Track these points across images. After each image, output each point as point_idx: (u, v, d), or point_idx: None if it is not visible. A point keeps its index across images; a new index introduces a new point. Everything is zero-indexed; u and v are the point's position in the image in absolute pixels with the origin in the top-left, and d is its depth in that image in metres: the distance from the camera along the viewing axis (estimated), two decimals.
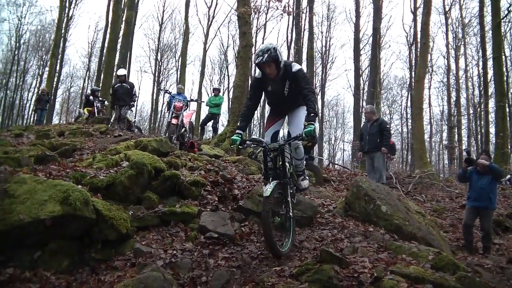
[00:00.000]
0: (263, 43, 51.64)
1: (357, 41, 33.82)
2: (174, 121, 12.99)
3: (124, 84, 16.73)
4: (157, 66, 54.69)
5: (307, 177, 7.00)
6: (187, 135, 13.31)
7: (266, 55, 5.94)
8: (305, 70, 6.55)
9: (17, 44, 54.90)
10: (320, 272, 4.47)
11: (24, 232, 5.12)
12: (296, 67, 6.26)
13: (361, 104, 33.95)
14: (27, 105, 56.64)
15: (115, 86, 17.00)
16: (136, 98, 17.96)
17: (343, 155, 57.71)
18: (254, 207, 7.15)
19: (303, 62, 29.79)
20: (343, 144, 59.40)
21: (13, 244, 5.13)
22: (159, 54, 55.11)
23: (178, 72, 47.21)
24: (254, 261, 5.52)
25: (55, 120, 40.21)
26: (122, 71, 17.86)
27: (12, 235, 5.16)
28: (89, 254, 5.54)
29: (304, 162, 6.82)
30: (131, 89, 16.78)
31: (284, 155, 6.09)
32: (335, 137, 61.05)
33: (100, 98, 21.96)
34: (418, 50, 28.68)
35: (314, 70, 37.80)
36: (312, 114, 5.80)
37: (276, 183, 5.73)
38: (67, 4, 44.41)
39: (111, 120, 18.56)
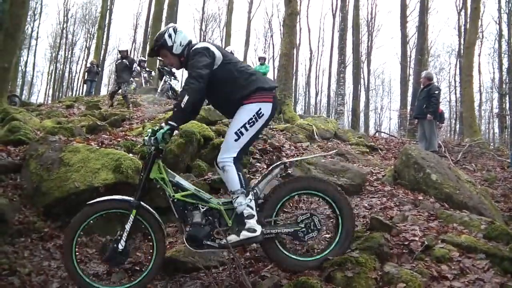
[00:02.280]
0: (307, 11, 51.34)
1: (403, 7, 32.98)
2: None
3: (124, 60, 16.37)
4: (202, 36, 54.71)
5: (245, 231, 4.10)
6: None
7: (154, 44, 4.69)
8: (229, 47, 4.45)
9: (65, 17, 55.81)
10: (371, 240, 4.46)
11: (80, 199, 5.28)
12: (193, 48, 4.46)
13: (408, 72, 33.34)
14: (76, 77, 57.69)
15: (116, 62, 16.84)
16: (135, 74, 17.62)
17: (390, 124, 56.98)
18: (303, 174, 7.16)
19: (349, 30, 29.31)
20: (390, 113, 58.55)
21: (70, 210, 5.30)
22: (203, 24, 55.17)
23: (223, 42, 47.25)
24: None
25: (104, 91, 40.77)
26: (122, 47, 17.89)
27: (68, 202, 5.35)
28: None
29: (242, 200, 4.16)
30: (130, 66, 16.37)
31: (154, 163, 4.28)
32: (382, 105, 60.20)
33: (147, 69, 22.16)
34: (468, 15, 27.90)
35: (360, 38, 37.17)
36: (175, 109, 4.23)
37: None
38: None
39: (158, 90, 18.72)
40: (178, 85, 20.06)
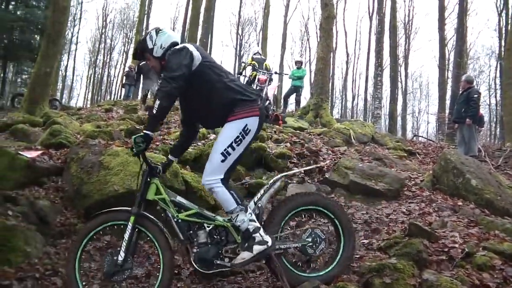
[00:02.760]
0: (343, 14, 51.07)
1: (441, 9, 32.50)
2: None
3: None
4: (238, 40, 54.93)
5: (257, 245, 3.85)
6: (272, 108, 13.33)
7: (136, 46, 4.41)
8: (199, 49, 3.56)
9: (104, 23, 56.64)
10: (409, 246, 4.41)
11: (119, 202, 5.32)
12: (171, 49, 4.13)
13: (446, 75, 32.85)
14: (114, 81, 58.48)
15: (141, 64, 16.43)
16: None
17: (428, 128, 56.17)
18: (340, 179, 7.15)
19: (386, 32, 28.98)
20: (428, 116, 57.72)
21: None
22: (239, 28, 55.33)
23: (259, 46, 47.33)
24: None
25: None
26: None
27: (108, 204, 5.38)
28: None
29: (244, 217, 3.88)
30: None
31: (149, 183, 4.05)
32: (419, 109, 59.41)
33: None
34: (510, 16, 27.40)
35: (397, 40, 36.77)
36: (148, 116, 4.04)
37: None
38: None
39: None
40: None
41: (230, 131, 3.96)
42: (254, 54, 18.51)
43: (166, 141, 7.76)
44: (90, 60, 59.11)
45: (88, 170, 5.82)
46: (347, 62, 52.81)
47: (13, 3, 20.63)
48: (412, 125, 57.10)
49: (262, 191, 4.24)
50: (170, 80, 3.76)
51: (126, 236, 3.81)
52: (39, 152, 6.60)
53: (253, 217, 3.92)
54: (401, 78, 44.59)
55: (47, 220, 5.22)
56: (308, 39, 55.03)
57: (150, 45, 4.14)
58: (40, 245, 4.72)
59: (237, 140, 3.92)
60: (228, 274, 4.64)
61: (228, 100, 3.97)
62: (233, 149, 3.92)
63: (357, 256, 4.57)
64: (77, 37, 52.72)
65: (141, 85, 16.16)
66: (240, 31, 55.25)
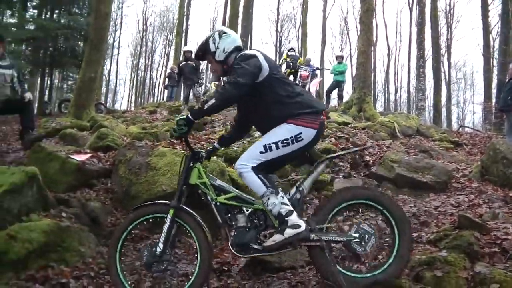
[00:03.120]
0: (383, 6, 50.47)
1: None
2: None
3: (190, 62, 15.82)
4: (278, 37, 54.88)
5: (289, 228, 3.75)
6: None
7: (198, 48, 4.34)
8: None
9: (144, 26, 57.38)
10: (460, 238, 4.33)
11: None
12: (239, 54, 4.03)
13: (491, 63, 32.12)
14: (156, 83, 59.16)
15: (180, 65, 16.26)
16: (203, 76, 16.99)
17: (474, 118, 55.02)
18: (386, 173, 7.11)
19: (427, 23, 28.51)
20: (473, 106, 56.52)
21: None
22: (279, 25, 55.25)
23: (299, 42, 47.14)
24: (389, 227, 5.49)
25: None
26: (187, 48, 17.68)
27: None
28: None
29: (275, 200, 3.76)
30: (197, 66, 15.99)
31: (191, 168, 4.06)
32: (464, 99, 58.26)
33: None
34: None
35: (439, 30, 36.07)
36: (201, 105, 3.92)
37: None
38: None
39: None
40: None
41: (283, 131, 3.88)
42: (289, 50, 18.42)
43: (211, 140, 7.84)
44: (132, 64, 60.01)
45: (136, 171, 5.95)
46: (388, 55, 52.25)
47: (56, 11, 21.09)
48: (458, 116, 56.06)
49: (306, 176, 4.10)
50: (234, 85, 3.71)
51: (165, 228, 3.85)
52: (88, 155, 6.77)
53: (285, 200, 3.82)
54: (444, 69, 43.80)
55: (98, 220, 5.38)
56: (348, 33, 54.64)
57: (212, 48, 4.09)
58: (93, 245, 4.85)
59: (285, 142, 3.85)
60: (277, 269, 4.67)
61: (291, 113, 3.88)
62: (277, 148, 3.86)
63: None
64: (118, 42, 53.54)
65: (182, 86, 16.20)
66: (279, 28, 55.23)
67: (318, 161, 4.11)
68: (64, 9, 21.18)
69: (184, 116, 3.75)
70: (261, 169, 3.91)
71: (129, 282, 3.99)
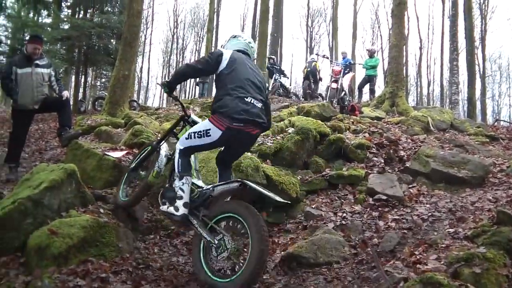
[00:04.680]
0: None
1: None
2: (333, 85, 13.01)
3: None
4: (308, 32, 54.64)
5: (172, 207, 4.54)
6: (347, 98, 13.24)
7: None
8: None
9: (175, 23, 57.59)
10: (499, 234, 4.27)
11: None
12: None
13: None
14: (188, 80, 59.49)
15: None
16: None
17: (510, 111, 53.93)
18: (421, 168, 7.04)
19: (460, 15, 28.07)
20: (509, 100, 55.43)
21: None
22: (309, 19, 54.98)
23: (330, 37, 46.93)
24: (425, 222, 5.44)
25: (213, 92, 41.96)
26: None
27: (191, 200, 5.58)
28: (262, 217, 5.81)
29: (177, 183, 4.63)
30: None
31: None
32: (500, 92, 57.12)
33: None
34: None
35: (473, 22, 35.47)
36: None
37: None
38: None
39: (269, 89, 18.88)
40: (287, 82, 20.15)
41: (202, 124, 4.64)
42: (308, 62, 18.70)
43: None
44: (163, 61, 60.29)
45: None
46: (420, 48, 51.39)
47: (90, 10, 21.35)
48: (493, 109, 54.89)
49: (222, 182, 4.74)
50: (191, 67, 4.85)
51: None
52: (123, 152, 6.86)
53: (185, 187, 4.54)
54: (478, 61, 43.00)
55: (135, 216, 5.45)
56: (379, 27, 53.96)
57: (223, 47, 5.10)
58: (130, 240, 4.93)
59: (199, 134, 4.52)
60: (313, 264, 4.69)
61: (213, 109, 4.57)
62: (194, 137, 4.55)
63: (443, 246, 4.49)
64: (150, 39, 53.89)
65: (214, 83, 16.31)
66: (309, 23, 54.94)
67: (234, 179, 4.67)
68: (97, 8, 21.44)
69: (165, 82, 4.90)
70: (188, 154, 4.75)
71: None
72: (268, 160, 6.75)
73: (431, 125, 11.54)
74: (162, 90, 5.28)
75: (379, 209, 5.93)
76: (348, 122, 9.64)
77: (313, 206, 6.05)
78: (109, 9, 21.68)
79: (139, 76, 52.53)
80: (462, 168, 7.02)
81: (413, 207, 5.96)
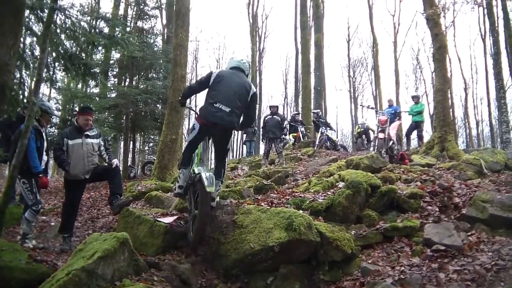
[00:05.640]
0: (454, 41, 49.54)
1: None
2: (381, 135, 12.91)
3: (275, 116, 16.00)
4: (351, 82, 54.78)
5: (176, 189, 7.14)
6: (396, 147, 13.12)
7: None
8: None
9: None
10: None
11: (256, 259, 5.47)
12: None
13: None
14: (234, 139, 60.04)
15: (266, 118, 16.40)
16: (286, 131, 17.11)
17: None
18: (478, 214, 6.82)
19: (502, 52, 27.65)
20: None
21: (247, 271, 5.58)
22: (350, 70, 55.20)
23: (373, 85, 46.95)
24: (489, 272, 5.22)
25: (261, 150, 42.14)
26: (273, 102, 17.87)
27: (245, 263, 5.58)
28: (318, 276, 5.73)
29: (180, 173, 7.16)
30: (281, 122, 15.99)
31: None
32: None
33: (303, 122, 22.53)
34: None
35: None
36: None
37: None
38: (257, 39, 46.42)
39: (317, 143, 18.89)
40: (334, 135, 20.16)
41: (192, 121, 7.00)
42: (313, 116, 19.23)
43: (296, 193, 7.84)
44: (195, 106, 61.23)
45: (223, 230, 6.03)
46: (465, 89, 50.77)
47: (135, 78, 22.01)
48: None
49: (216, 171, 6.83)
50: (187, 87, 7.71)
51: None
52: (175, 217, 6.92)
53: (181, 175, 6.87)
54: None
55: (189, 282, 5.44)
56: (421, 71, 53.72)
57: None
58: None
59: (190, 130, 6.83)
60: None
61: (200, 109, 6.69)
62: (189, 133, 6.82)
63: None
64: (195, 101, 54.86)
65: (264, 140, 16.36)
66: (351, 74, 55.14)
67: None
68: (142, 75, 22.11)
69: (178, 102, 7.53)
70: (190, 149, 6.81)
71: None
72: (320, 217, 6.68)
73: (484, 168, 11.25)
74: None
75: (438, 260, 5.73)
76: (398, 172, 9.51)
77: (369, 261, 5.91)
78: (154, 75, 22.37)
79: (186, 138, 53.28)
80: None
81: (474, 256, 5.73)
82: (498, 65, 25.95)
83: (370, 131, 19.79)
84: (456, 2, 36.93)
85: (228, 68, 6.96)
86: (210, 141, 7.02)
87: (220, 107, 6.28)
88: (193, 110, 8.58)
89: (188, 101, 8.61)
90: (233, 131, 6.94)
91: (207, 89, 6.70)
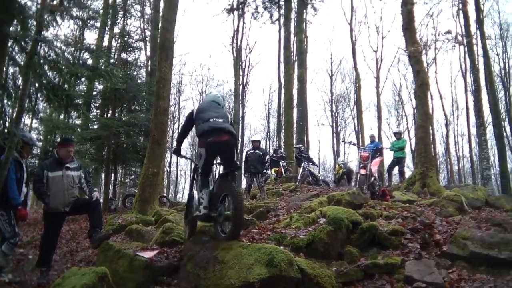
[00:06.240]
0: (436, 78, 50.21)
1: None
2: (362, 171, 12.93)
3: (257, 151, 15.97)
4: (333, 117, 55.20)
5: (195, 212, 7.29)
6: (377, 183, 13.17)
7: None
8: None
9: None
10: None
11: None
12: None
13: None
14: (216, 171, 59.89)
15: (248, 152, 16.40)
16: (268, 166, 17.14)
17: None
18: (459, 251, 6.83)
19: (483, 89, 28.16)
20: None
21: None
22: (333, 105, 55.66)
23: (355, 120, 47.30)
24: None
25: (243, 184, 42.09)
26: (255, 137, 18.03)
27: None
28: None
29: (199, 195, 7.08)
30: (263, 156, 16.06)
31: None
32: None
33: (285, 157, 22.59)
34: None
35: (496, 95, 35.31)
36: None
37: None
38: (240, 73, 46.69)
39: (299, 178, 18.92)
40: (316, 170, 20.21)
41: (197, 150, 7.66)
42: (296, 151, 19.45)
43: (277, 229, 7.80)
44: (191, 154, 61.22)
45: (204, 265, 5.95)
46: (446, 125, 51.47)
47: (117, 110, 22.02)
48: None
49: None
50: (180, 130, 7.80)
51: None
52: (155, 252, 6.83)
53: (201, 198, 6.83)
54: (507, 133, 42.73)
55: None
56: (403, 107, 54.36)
57: None
58: None
59: (198, 157, 6.92)
60: None
61: (197, 135, 6.87)
62: (198, 160, 7.04)
63: None
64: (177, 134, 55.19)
65: (245, 175, 16.34)
66: (334, 108, 55.60)
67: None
68: (124, 107, 22.15)
69: (173, 150, 7.71)
70: (204, 173, 7.01)
71: None
72: (301, 253, 6.64)
73: (465, 205, 11.33)
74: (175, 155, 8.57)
75: None
76: (380, 208, 9.52)
77: None
78: (137, 107, 22.42)
79: (168, 171, 53.17)
80: (503, 249, 6.77)
81: None
82: (478, 102, 26.33)
83: (352, 173, 20.07)
84: (438, 40, 37.69)
85: (207, 100, 7.35)
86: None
87: (213, 120, 6.64)
88: (189, 159, 9.17)
89: (183, 152, 9.22)
90: (237, 141, 7.30)
91: (194, 125, 7.11)
